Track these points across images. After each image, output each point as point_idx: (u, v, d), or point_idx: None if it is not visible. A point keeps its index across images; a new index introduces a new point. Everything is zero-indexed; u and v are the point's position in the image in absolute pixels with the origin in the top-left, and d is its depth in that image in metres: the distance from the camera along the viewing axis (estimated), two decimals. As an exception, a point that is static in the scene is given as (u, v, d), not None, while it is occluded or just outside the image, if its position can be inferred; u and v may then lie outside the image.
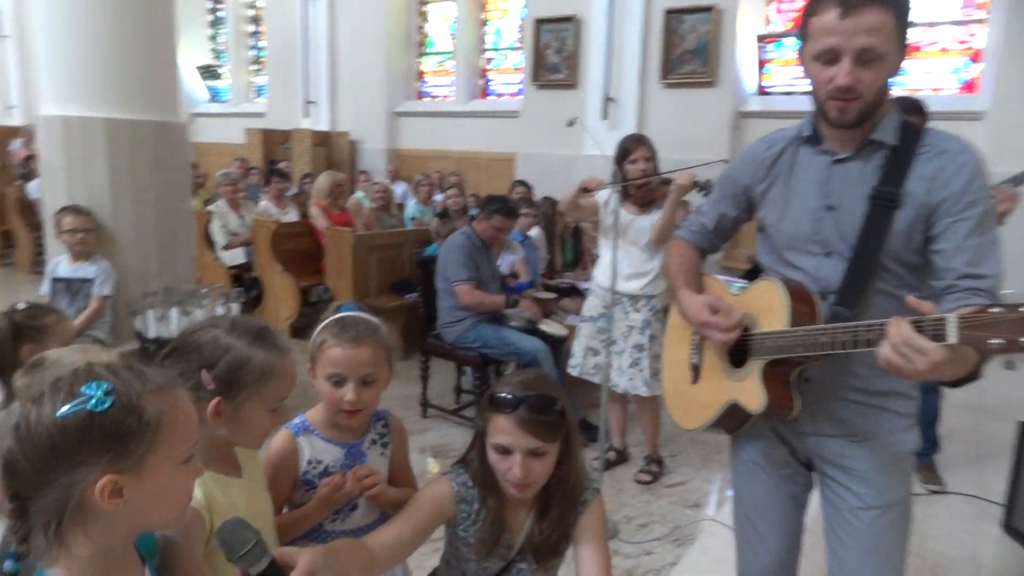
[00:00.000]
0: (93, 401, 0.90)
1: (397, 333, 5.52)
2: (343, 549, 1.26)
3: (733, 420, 1.62)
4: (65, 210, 3.56)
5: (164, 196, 3.86)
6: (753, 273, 1.71)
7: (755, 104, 7.08)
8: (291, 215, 6.44)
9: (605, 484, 3.30)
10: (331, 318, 1.57)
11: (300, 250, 5.89)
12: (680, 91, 7.12)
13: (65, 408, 0.89)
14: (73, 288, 3.61)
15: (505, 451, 1.41)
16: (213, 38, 12.31)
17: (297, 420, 1.60)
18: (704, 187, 2.99)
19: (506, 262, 4.66)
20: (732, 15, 6.82)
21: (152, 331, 3.58)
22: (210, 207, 6.22)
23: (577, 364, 3.52)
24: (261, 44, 11.55)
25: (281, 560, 1.08)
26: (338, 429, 1.58)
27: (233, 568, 1.13)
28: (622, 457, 3.68)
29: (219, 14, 12.16)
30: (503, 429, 1.40)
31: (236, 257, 6.03)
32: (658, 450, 3.57)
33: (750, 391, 1.54)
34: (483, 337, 3.94)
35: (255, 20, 11.69)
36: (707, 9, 6.85)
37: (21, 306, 2.03)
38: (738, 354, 1.59)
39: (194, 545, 1.18)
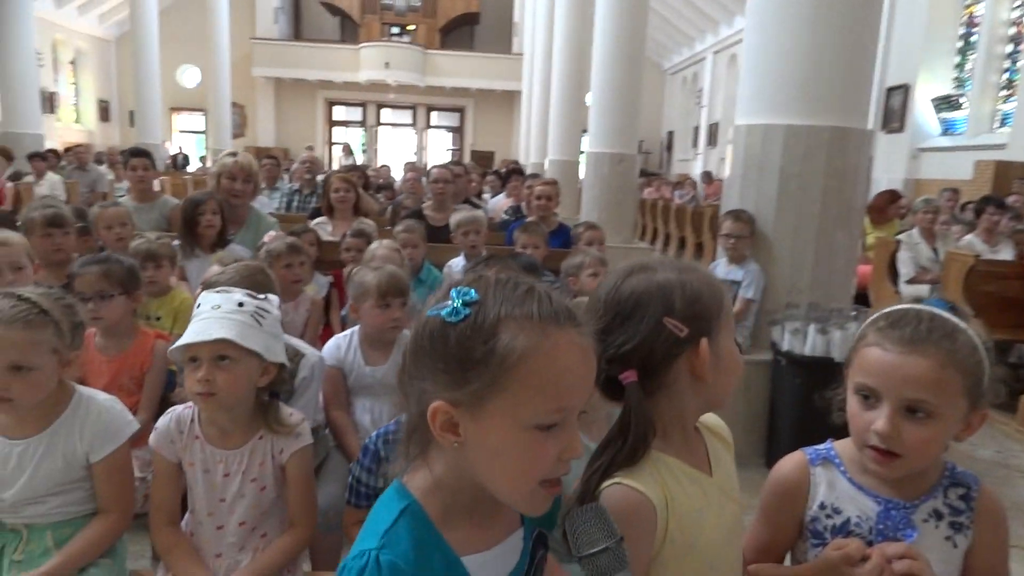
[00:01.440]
0: (449, 308, 0.77)
1: None
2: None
3: None
4: (728, 214, 3.70)
5: (831, 206, 3.59)
6: None
7: None
8: (1004, 253, 5.24)
9: None
10: (889, 308, 1.06)
11: (1004, 296, 4.71)
12: None
13: (433, 308, 0.79)
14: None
15: None
16: (959, 66, 11.19)
17: (822, 445, 1.15)
18: None
19: None
20: None
21: (786, 344, 3.39)
22: (900, 236, 5.61)
23: None
24: (1018, 66, 9.86)
25: None
26: (873, 475, 1.06)
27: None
28: None
29: (971, 39, 10.96)
30: None
31: (920, 293, 5.26)
32: None
33: None
34: None
35: (1014, 39, 10.06)
36: None
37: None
38: None
39: (637, 543, 0.93)
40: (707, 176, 12.02)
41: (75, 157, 9.35)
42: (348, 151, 10.08)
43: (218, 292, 1.52)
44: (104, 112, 21.48)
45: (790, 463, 1.16)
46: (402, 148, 23.16)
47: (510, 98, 22.04)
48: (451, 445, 0.79)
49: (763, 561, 1.15)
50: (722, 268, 3.79)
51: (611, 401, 0.97)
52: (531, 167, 15.07)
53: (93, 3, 19.57)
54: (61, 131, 18.32)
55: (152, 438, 1.52)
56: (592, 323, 0.97)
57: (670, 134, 22.12)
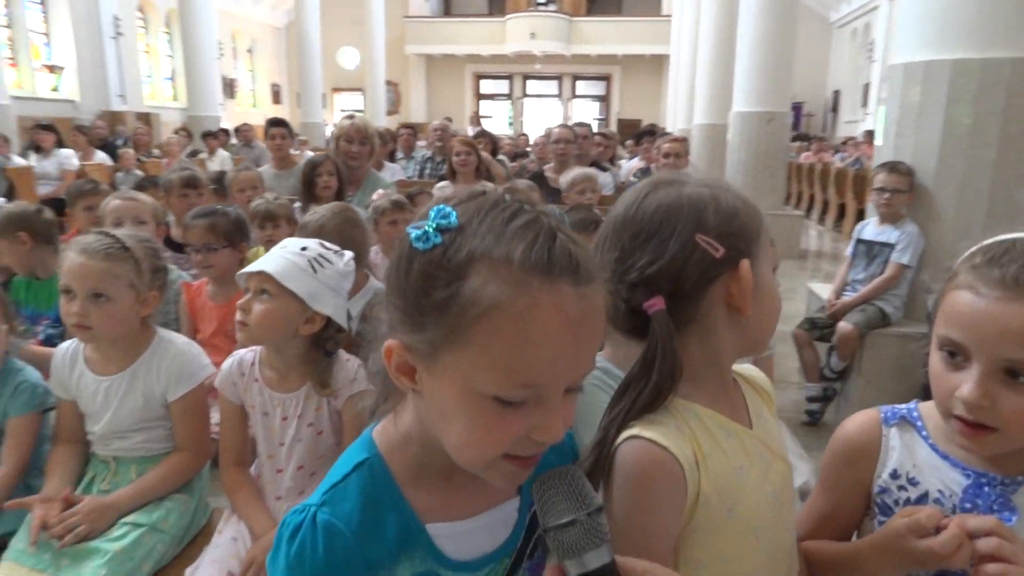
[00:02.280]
0: (419, 232, 0.62)
1: None
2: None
3: None
4: (882, 166, 3.24)
5: (1010, 155, 3.04)
6: None
7: None
8: None
9: None
10: (988, 240, 0.83)
11: None
12: None
13: (413, 224, 0.65)
14: (872, 251, 3.29)
15: None
16: None
17: (904, 405, 0.94)
18: None
19: None
20: None
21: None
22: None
23: None
24: None
25: (630, 574, 0.60)
26: (958, 445, 0.84)
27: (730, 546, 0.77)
28: None
29: None
30: None
31: None
32: None
33: None
34: None
35: None
36: None
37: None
38: None
39: (661, 508, 0.78)
40: (868, 135, 10.84)
41: (242, 135, 10.17)
42: (475, 120, 10.29)
43: (296, 237, 1.53)
44: (276, 95, 23.26)
45: (858, 419, 0.95)
46: (548, 119, 23.12)
47: (659, 63, 21.26)
48: (407, 390, 0.67)
49: (823, 537, 0.95)
50: (872, 228, 3.35)
51: (633, 339, 0.81)
52: (678, 133, 14.45)
53: (265, -7, 21.21)
54: (240, 115, 20.06)
55: (217, 379, 1.55)
56: (608, 248, 0.83)
57: (836, 94, 20.28)
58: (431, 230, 0.62)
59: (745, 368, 0.95)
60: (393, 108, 21.73)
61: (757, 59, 7.37)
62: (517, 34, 21.30)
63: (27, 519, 1.47)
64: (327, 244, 1.54)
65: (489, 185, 0.85)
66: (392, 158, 6.55)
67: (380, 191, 3.15)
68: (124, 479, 1.58)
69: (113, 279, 1.49)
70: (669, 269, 0.78)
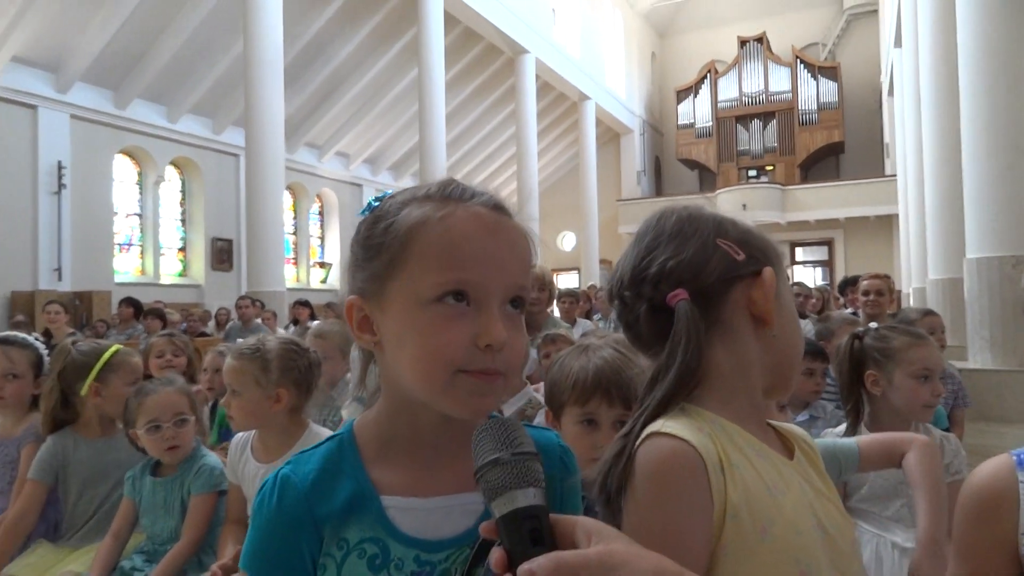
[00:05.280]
0: (363, 208, 0.77)
1: None
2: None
3: None
4: None
5: None
6: None
7: None
8: None
9: None
10: None
11: None
12: None
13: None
14: None
15: None
16: None
17: None
18: None
19: None
20: None
21: None
22: None
23: None
24: None
25: (561, 527, 0.57)
26: None
27: None
28: None
29: None
30: None
31: None
32: None
33: None
34: None
35: None
36: None
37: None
38: None
39: (680, 501, 0.71)
40: None
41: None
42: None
43: None
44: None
45: (986, 469, 0.81)
46: (767, 288, 22.39)
47: (887, 223, 20.02)
48: (369, 345, 0.74)
49: None
50: None
51: (657, 344, 0.78)
52: (912, 293, 13.23)
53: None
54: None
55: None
56: (622, 265, 0.84)
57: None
58: (371, 200, 0.76)
59: (787, 426, 0.87)
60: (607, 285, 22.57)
61: (991, 196, 6.68)
62: (728, 207, 21.48)
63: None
64: None
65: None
66: (589, 316, 6.79)
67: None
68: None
69: (240, 375, 1.73)
70: (691, 264, 0.79)
